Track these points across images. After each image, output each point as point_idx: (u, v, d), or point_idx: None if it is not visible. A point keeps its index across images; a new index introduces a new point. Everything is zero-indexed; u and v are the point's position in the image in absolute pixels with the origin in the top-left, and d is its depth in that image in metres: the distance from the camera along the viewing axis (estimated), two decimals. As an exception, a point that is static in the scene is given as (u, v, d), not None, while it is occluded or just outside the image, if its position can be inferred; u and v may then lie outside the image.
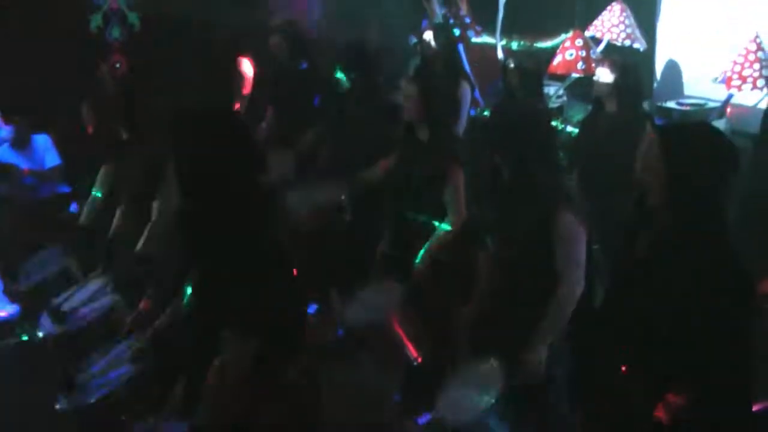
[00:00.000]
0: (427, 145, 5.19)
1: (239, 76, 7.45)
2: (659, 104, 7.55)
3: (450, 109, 5.53)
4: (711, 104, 7.25)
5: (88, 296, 5.16)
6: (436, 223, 5.13)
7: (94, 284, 5.30)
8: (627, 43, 7.37)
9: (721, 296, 3.03)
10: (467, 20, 8.69)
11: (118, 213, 5.49)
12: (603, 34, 7.42)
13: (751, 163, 5.17)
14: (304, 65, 7.12)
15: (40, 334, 4.98)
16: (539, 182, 4.12)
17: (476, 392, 4.03)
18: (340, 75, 6.51)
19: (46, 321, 5.03)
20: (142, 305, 4.69)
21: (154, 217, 5.00)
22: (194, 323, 3.56)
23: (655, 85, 8.15)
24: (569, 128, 7.47)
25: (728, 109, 7.03)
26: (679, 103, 7.44)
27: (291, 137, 6.79)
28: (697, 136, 3.20)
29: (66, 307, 5.06)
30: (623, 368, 3.33)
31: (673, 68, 8.07)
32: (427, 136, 5.20)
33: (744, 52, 6.38)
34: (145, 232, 5.01)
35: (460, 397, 4.07)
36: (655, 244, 3.25)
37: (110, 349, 4.57)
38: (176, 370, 3.82)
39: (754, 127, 6.21)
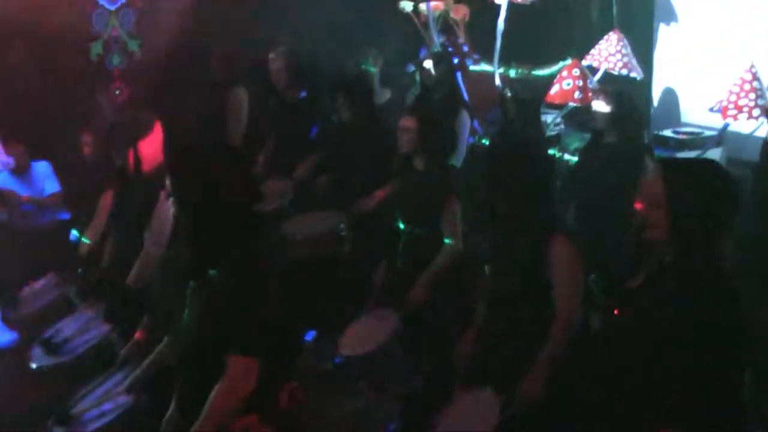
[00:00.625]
0: (423, 175, 5.23)
1: (238, 104, 7.48)
2: (656, 133, 7.57)
3: (447, 140, 5.55)
4: (707, 133, 7.28)
5: (82, 326, 5.17)
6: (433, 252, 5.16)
7: (87, 314, 5.31)
8: (624, 72, 7.40)
9: (718, 330, 3.06)
10: (465, 48, 8.73)
11: (110, 241, 5.50)
12: (600, 63, 7.45)
13: (751, 191, 5.18)
14: (304, 94, 7.17)
15: (33, 365, 4.98)
16: (535, 213, 4.15)
17: (473, 421, 4.04)
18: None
19: (38, 352, 5.03)
20: (136, 336, 4.69)
21: (146, 247, 4.99)
22: (192, 351, 3.57)
23: (652, 113, 8.18)
24: (567, 156, 7.51)
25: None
26: (675, 132, 7.46)
27: (289, 167, 6.81)
28: (702, 174, 3.23)
29: (59, 337, 5.06)
30: (620, 397, 3.35)
31: (670, 97, 8.10)
32: (423, 167, 5.24)
33: (740, 81, 6.40)
34: (137, 263, 5.01)
35: (456, 426, 4.07)
36: (652, 278, 3.28)
37: (105, 380, 4.58)
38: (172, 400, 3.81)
39: (751, 154, 6.23)
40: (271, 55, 7.16)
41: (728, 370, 3.11)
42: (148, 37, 8.57)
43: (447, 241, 5.12)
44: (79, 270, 5.96)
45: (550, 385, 3.97)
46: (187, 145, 3.71)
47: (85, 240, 6.01)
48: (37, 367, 4.96)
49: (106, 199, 5.83)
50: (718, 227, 3.16)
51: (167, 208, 4.32)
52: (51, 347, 5.00)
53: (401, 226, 5.36)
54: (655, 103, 8.21)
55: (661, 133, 7.53)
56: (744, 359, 3.15)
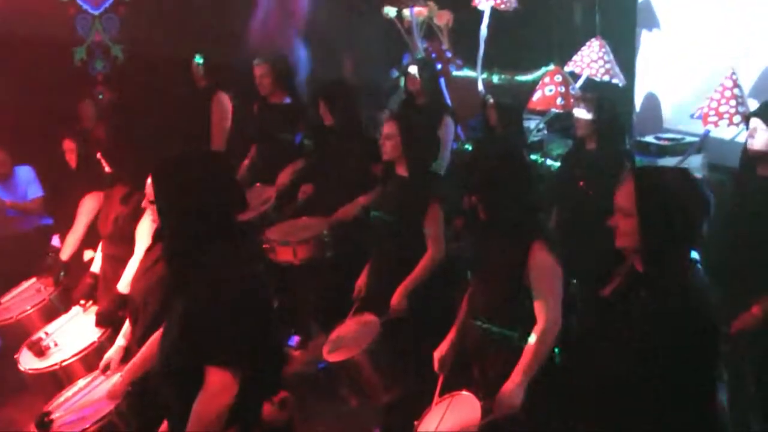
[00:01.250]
0: (407, 182, 5.24)
1: (221, 109, 7.48)
2: (638, 139, 7.61)
3: (430, 146, 5.57)
4: (689, 139, 7.32)
5: (69, 331, 5.17)
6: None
7: (74, 319, 5.31)
8: (606, 78, 7.44)
9: (688, 336, 3.09)
10: (448, 54, 8.76)
11: (99, 248, 5.50)
12: (582, 70, 7.49)
13: (731, 196, 5.21)
14: (288, 100, 7.17)
15: (21, 369, 4.98)
16: (516, 219, 4.17)
17: (454, 427, 4.05)
18: None
19: (26, 355, 5.03)
20: (119, 340, 4.70)
21: (134, 255, 5.00)
22: (178, 358, 3.56)
23: (634, 119, 8.22)
24: (549, 162, 7.55)
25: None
26: (657, 138, 7.50)
27: (273, 173, 6.81)
28: (672, 183, 3.26)
29: (46, 341, 5.06)
30: (599, 403, 3.38)
31: (651, 103, 8.15)
32: (406, 173, 5.26)
33: (720, 88, 6.45)
34: (126, 270, 5.01)
35: (439, 430, 4.09)
36: (625, 286, 3.31)
37: (89, 384, 4.58)
38: (156, 406, 3.80)
39: (732, 161, 6.28)
40: (255, 61, 7.15)
41: (701, 377, 3.15)
42: (131, 43, 8.59)
43: (426, 259, 5.14)
44: (62, 274, 5.95)
45: (529, 393, 3.98)
46: (171, 152, 3.69)
47: (66, 244, 6.02)
48: (25, 371, 4.96)
49: (87, 204, 5.83)
50: (688, 235, 3.20)
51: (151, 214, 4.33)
52: (39, 351, 5.00)
53: (384, 231, 5.38)
54: (638, 109, 8.26)
55: (642, 139, 7.57)
56: (717, 367, 3.19)
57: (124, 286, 5.01)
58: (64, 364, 4.91)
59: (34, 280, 6.11)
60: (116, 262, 5.21)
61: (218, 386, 3.28)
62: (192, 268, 3.41)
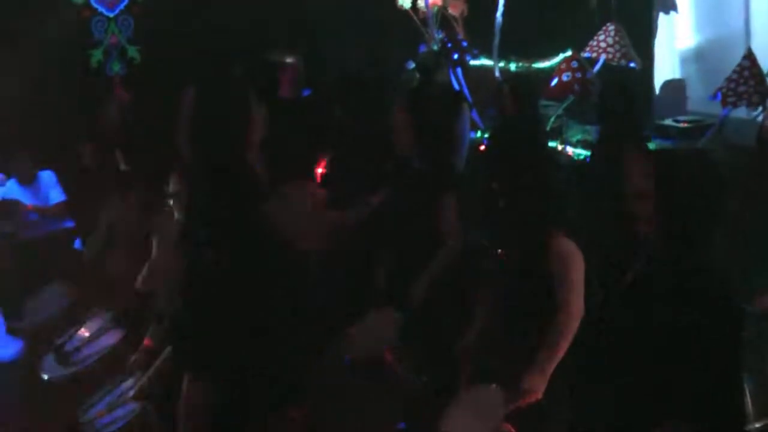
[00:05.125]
0: (422, 175, 5.22)
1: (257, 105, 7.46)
2: (658, 122, 7.56)
3: (445, 138, 5.54)
4: (709, 121, 7.26)
5: (92, 334, 5.19)
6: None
7: (97, 322, 5.32)
8: (623, 62, 7.39)
9: (712, 321, 3.05)
10: (464, 44, 8.73)
11: (118, 249, 5.52)
12: (599, 55, 7.45)
13: (748, 176, 5.17)
14: (306, 93, 7.15)
15: (45, 376, 5.00)
16: (535, 208, 4.14)
17: (478, 418, 4.04)
18: None
19: (50, 361, 5.05)
20: (145, 342, 4.71)
21: (153, 254, 5.01)
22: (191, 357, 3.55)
23: (653, 102, 8.17)
24: (569, 148, 7.51)
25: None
26: (676, 121, 7.46)
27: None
28: (690, 165, 3.23)
29: (69, 346, 5.08)
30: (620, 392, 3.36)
31: (671, 86, 8.09)
32: (422, 166, 5.24)
33: (738, 68, 6.40)
34: (145, 269, 5.02)
35: (462, 423, 4.08)
36: (645, 271, 3.29)
37: (114, 387, 4.60)
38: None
39: (751, 140, 6.23)
40: (273, 54, 7.14)
41: (725, 360, 3.11)
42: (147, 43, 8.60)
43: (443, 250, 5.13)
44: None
45: (552, 382, 3.97)
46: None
47: (88, 247, 6.04)
48: (50, 378, 4.98)
49: (108, 205, 5.85)
50: (707, 216, 3.16)
51: (172, 215, 4.34)
52: (63, 356, 5.01)
53: (402, 224, 5.36)
54: (657, 92, 8.20)
55: (662, 122, 7.52)
56: (740, 350, 3.15)
57: (141, 286, 5.02)
58: (85, 368, 4.92)
59: (57, 284, 6.14)
60: (134, 263, 5.22)
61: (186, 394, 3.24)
62: (219, 268, 3.39)
